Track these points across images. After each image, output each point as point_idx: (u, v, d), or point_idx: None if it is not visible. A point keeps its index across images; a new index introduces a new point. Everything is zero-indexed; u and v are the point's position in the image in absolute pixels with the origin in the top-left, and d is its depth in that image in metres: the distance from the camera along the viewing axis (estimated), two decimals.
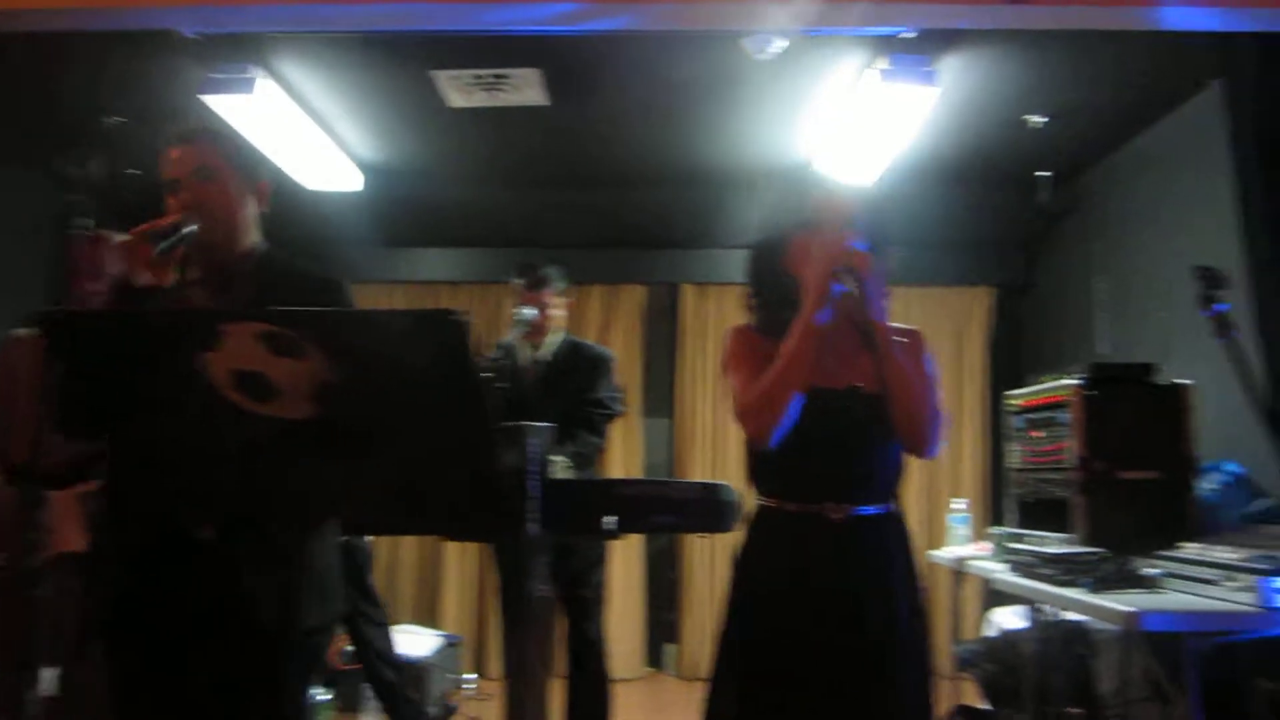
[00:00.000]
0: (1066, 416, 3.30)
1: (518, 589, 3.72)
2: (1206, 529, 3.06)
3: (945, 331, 6.11)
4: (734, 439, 5.66)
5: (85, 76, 4.19)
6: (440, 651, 5.05)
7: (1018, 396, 3.71)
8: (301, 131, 4.61)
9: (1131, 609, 2.43)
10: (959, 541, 4.22)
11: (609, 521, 2.18)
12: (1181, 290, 2.53)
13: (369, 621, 4.02)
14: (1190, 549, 2.75)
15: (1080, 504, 3.18)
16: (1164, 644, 3.11)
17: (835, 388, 2.13)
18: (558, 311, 3.89)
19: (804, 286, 2.11)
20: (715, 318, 6.17)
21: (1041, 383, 3.54)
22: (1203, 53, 3.75)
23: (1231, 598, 2.47)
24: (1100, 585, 2.69)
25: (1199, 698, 2.45)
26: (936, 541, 5.23)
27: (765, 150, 5.05)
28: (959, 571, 4.07)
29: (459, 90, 4.37)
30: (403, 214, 5.86)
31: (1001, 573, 3.31)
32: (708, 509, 2.22)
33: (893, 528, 2.18)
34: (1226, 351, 2.06)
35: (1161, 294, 4.31)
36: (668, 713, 5.05)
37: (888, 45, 3.78)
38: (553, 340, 3.86)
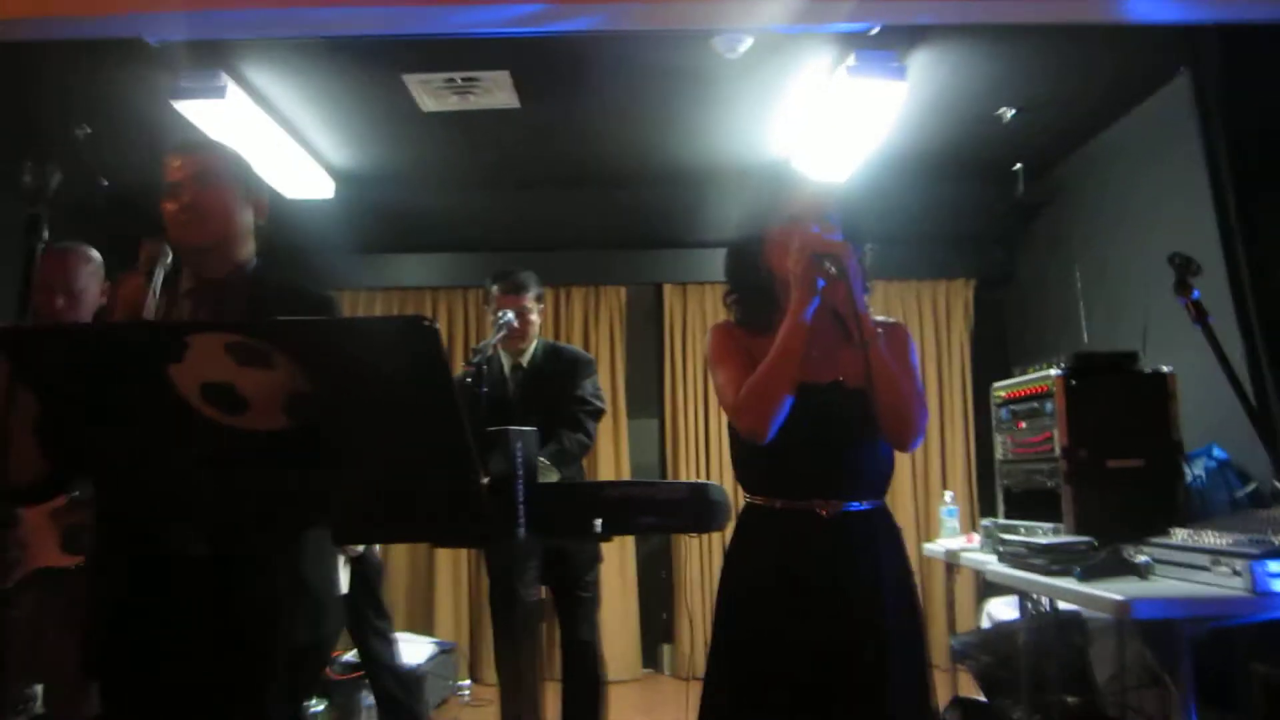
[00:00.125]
0: (1051, 407, 3.30)
1: (508, 594, 3.72)
2: (1195, 515, 3.06)
3: (927, 325, 6.15)
4: (722, 437, 5.65)
5: (52, 86, 4.13)
6: (435, 659, 5.02)
7: (1003, 388, 3.71)
8: (272, 139, 4.57)
9: (1123, 598, 2.42)
10: (950, 534, 4.22)
11: (597, 524, 2.16)
12: (1159, 278, 2.53)
13: (377, 635, 3.98)
14: (1179, 535, 2.75)
15: (1068, 493, 3.18)
16: (1158, 631, 3.11)
17: (819, 383, 2.12)
18: (536, 317, 3.87)
19: (787, 282, 2.10)
20: (699, 316, 6.17)
21: (1025, 374, 3.54)
22: (1170, 42, 3.77)
23: (1223, 583, 2.46)
24: (1090, 574, 2.68)
25: (1194, 684, 2.44)
26: (928, 535, 5.24)
27: (741, 148, 5.05)
28: (951, 564, 4.06)
29: (430, 94, 4.34)
30: (378, 220, 5.82)
31: (992, 564, 3.30)
32: (696, 509, 2.19)
33: (882, 523, 2.17)
34: (1205, 337, 2.06)
35: (1140, 282, 4.32)
36: (664, 713, 5.03)
37: (857, 42, 3.78)
38: (532, 345, 3.84)
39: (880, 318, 2.20)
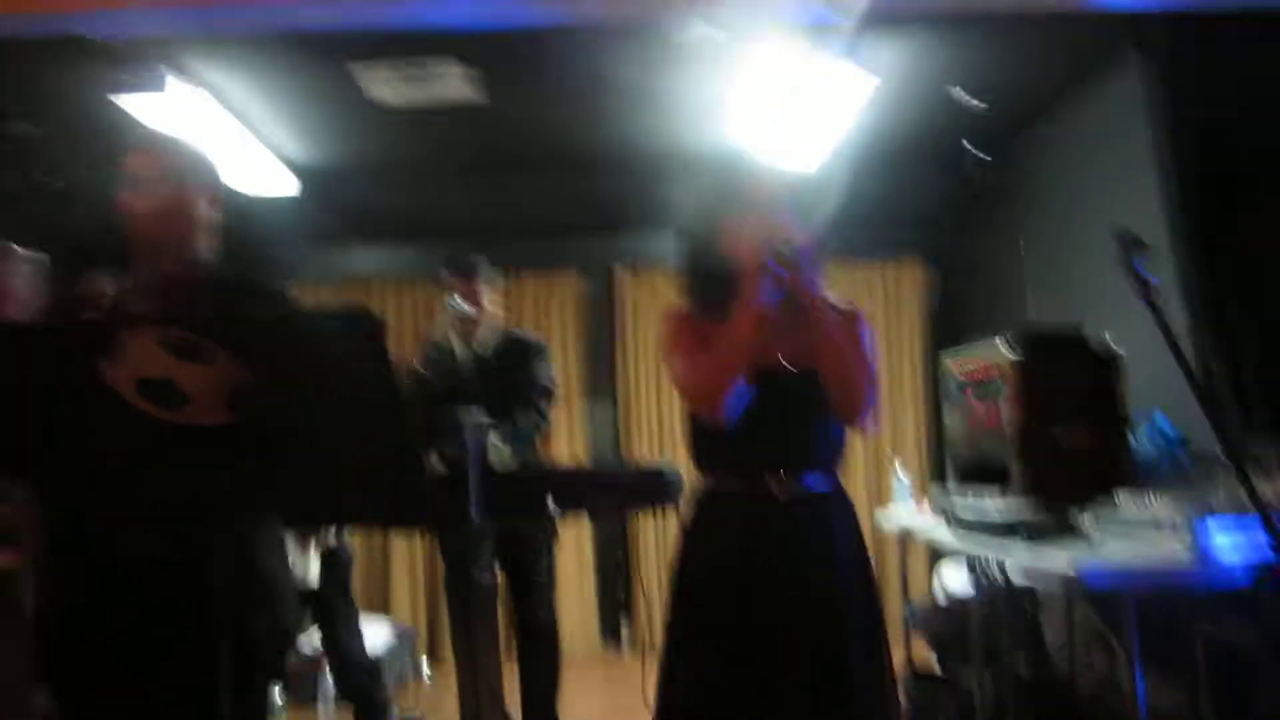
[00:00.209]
0: (999, 379, 3.34)
1: (462, 577, 3.72)
2: (1140, 482, 3.12)
3: (880, 305, 6.21)
4: (676, 419, 5.67)
5: None
6: (393, 642, 5.00)
7: (953, 356, 3.75)
8: (227, 136, 4.50)
9: (1071, 565, 2.47)
10: (904, 506, 4.28)
11: (551, 506, 2.17)
12: (1107, 255, 2.58)
13: (345, 627, 3.94)
14: (1126, 502, 2.80)
15: (1017, 464, 3.22)
16: (1106, 596, 3.18)
17: (771, 364, 2.13)
18: (489, 302, 3.84)
19: (742, 269, 2.10)
20: (652, 300, 6.18)
21: (974, 347, 3.58)
22: (1119, 24, 3.81)
23: (1168, 549, 2.51)
24: (1036, 534, 2.73)
25: (1140, 646, 2.49)
26: (881, 503, 5.31)
27: (695, 133, 5.03)
28: (904, 535, 4.12)
29: (381, 84, 4.28)
30: (330, 211, 5.76)
31: (944, 534, 3.35)
32: (649, 488, 2.21)
33: (836, 503, 2.19)
34: (1148, 308, 2.10)
35: (1090, 257, 4.38)
36: (624, 690, 5.05)
37: (815, 28, 3.77)
38: (489, 333, 3.82)
39: (835, 301, 2.21)
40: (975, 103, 4.57)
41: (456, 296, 3.72)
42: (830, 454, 2.21)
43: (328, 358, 1.27)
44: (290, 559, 3.67)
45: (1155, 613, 2.68)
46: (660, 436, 6.12)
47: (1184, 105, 3.72)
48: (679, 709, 2.13)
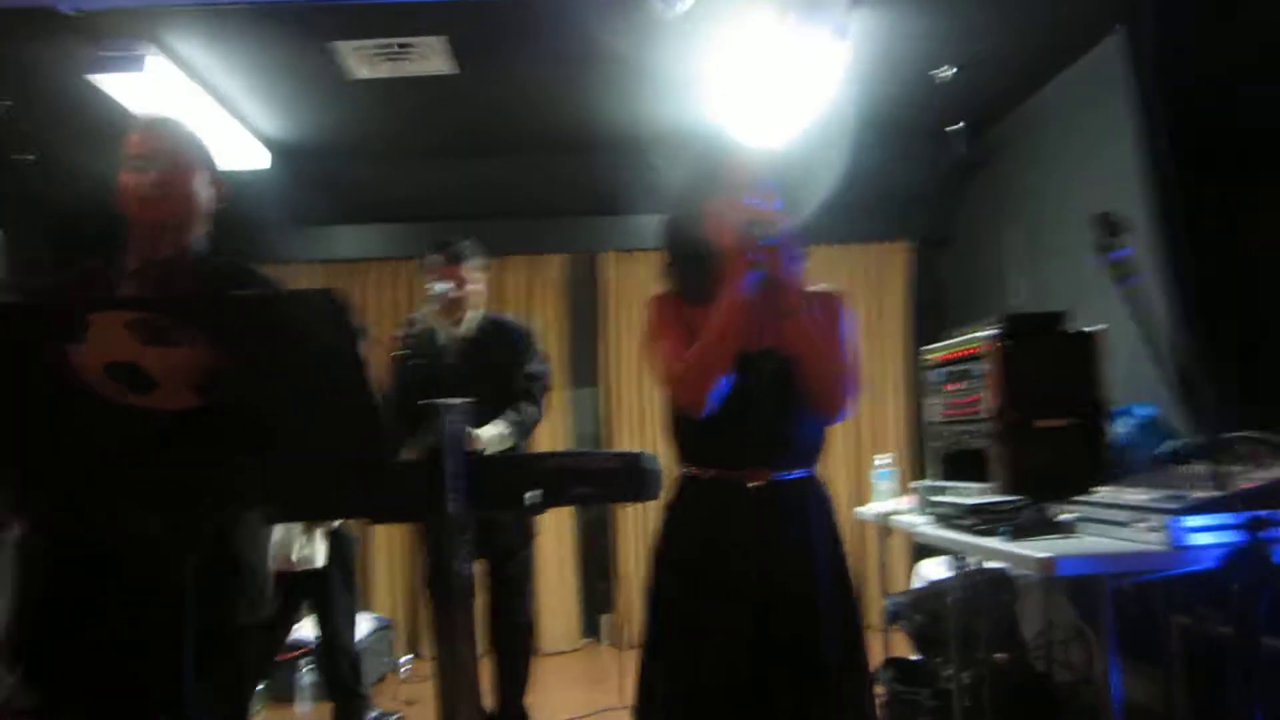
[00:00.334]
0: (980, 369, 3.35)
1: (441, 569, 3.69)
2: (1119, 472, 3.13)
3: (865, 288, 6.18)
4: (661, 406, 5.65)
5: None
6: (373, 635, 4.99)
7: (934, 350, 3.75)
8: (201, 110, 4.44)
9: (1047, 555, 2.47)
10: (884, 496, 4.27)
11: (531, 496, 2.16)
12: (1088, 237, 2.57)
13: (343, 614, 3.84)
14: (1104, 492, 2.80)
15: (997, 454, 3.23)
16: (1082, 587, 3.19)
17: (750, 351, 2.12)
18: (476, 286, 3.82)
19: (725, 253, 2.09)
20: (637, 284, 6.14)
21: (955, 337, 3.58)
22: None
23: (1143, 538, 2.52)
24: (1018, 533, 2.73)
25: (1116, 636, 2.50)
26: (863, 498, 5.30)
27: (677, 113, 5.01)
28: (885, 526, 4.12)
29: (363, 61, 4.25)
30: (312, 191, 5.70)
31: (925, 525, 3.35)
32: (629, 478, 2.20)
33: (813, 492, 2.19)
34: (1126, 296, 2.09)
35: (1070, 242, 4.38)
36: (604, 682, 5.06)
37: (794, 2, 3.75)
38: (473, 316, 3.80)
39: (816, 286, 2.20)
40: (946, 72, 4.55)
41: (441, 280, 3.70)
42: (809, 443, 2.20)
43: (295, 339, 1.25)
44: (296, 541, 3.65)
45: (1131, 603, 2.69)
46: (643, 423, 6.10)
47: (1171, 79, 3.69)
48: (657, 693, 2.13)
